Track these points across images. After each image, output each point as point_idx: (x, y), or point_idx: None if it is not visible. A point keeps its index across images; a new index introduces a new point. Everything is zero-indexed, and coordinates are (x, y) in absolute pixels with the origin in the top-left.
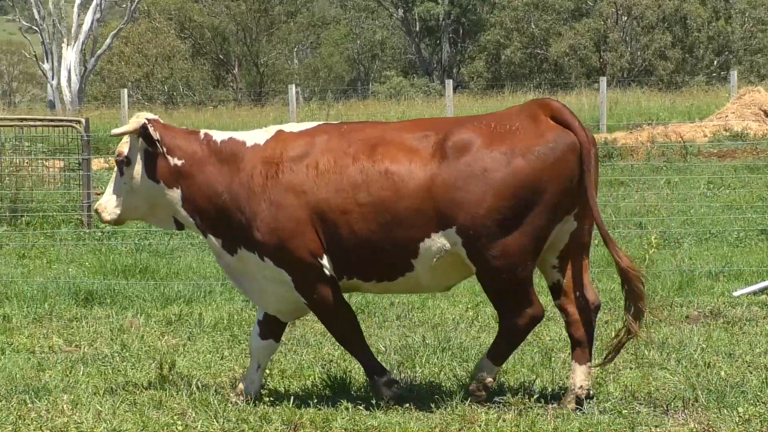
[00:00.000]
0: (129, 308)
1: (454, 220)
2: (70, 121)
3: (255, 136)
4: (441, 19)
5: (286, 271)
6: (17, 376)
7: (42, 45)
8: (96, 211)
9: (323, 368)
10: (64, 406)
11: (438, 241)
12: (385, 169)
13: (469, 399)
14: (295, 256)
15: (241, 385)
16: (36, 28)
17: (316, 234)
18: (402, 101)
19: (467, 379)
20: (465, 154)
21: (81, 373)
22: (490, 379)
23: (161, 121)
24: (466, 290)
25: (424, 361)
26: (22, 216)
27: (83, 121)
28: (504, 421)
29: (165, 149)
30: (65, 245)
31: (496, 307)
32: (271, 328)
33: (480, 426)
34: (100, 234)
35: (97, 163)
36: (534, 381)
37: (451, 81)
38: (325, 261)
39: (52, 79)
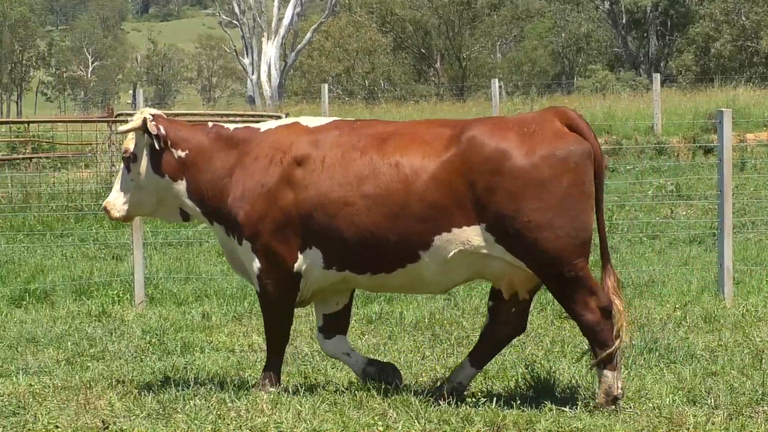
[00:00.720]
0: None
1: (481, 218)
2: (270, 116)
3: (270, 124)
4: (648, 11)
5: (257, 259)
6: (217, 374)
7: (242, 39)
8: (104, 209)
9: (527, 369)
10: (264, 405)
11: (460, 235)
12: (396, 162)
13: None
14: (272, 246)
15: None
16: (236, 23)
17: (300, 230)
18: (608, 95)
19: (676, 382)
20: (483, 150)
21: (282, 372)
22: (620, 390)
23: (164, 116)
24: (674, 290)
25: (630, 362)
26: None
27: (283, 116)
28: (713, 424)
29: (169, 143)
30: None
31: (566, 310)
32: (332, 327)
33: (688, 429)
34: None
35: None
36: (744, 383)
37: (658, 75)
38: (299, 260)
39: (252, 74)
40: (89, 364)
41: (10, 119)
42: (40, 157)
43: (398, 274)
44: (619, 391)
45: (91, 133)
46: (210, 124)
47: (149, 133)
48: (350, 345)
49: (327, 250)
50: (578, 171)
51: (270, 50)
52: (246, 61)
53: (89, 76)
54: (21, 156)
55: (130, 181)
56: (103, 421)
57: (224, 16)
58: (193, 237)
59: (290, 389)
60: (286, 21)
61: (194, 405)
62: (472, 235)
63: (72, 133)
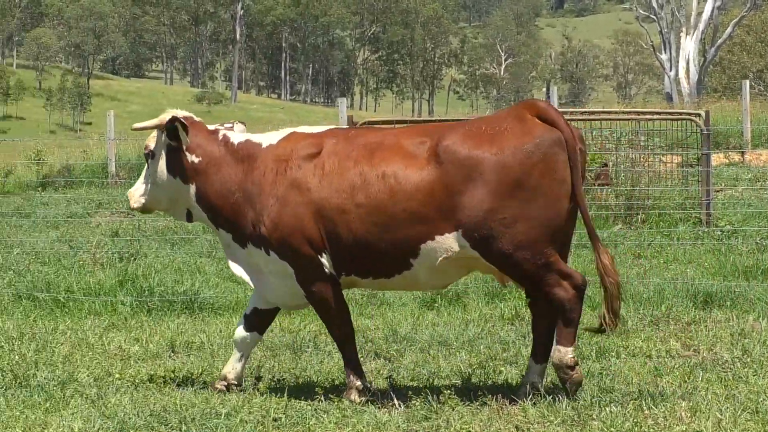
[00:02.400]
0: (750, 311)
1: (459, 223)
2: (689, 114)
3: (269, 138)
4: None
5: (290, 265)
6: (633, 380)
7: (660, 35)
8: (128, 196)
9: None
10: (683, 413)
11: (443, 243)
12: (383, 173)
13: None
14: (297, 251)
15: (223, 372)
16: (653, 17)
17: (318, 231)
18: None
19: None
20: (457, 158)
21: (700, 379)
22: (572, 357)
23: (195, 118)
24: None
25: None
26: (637, 214)
27: (702, 114)
28: None
29: (185, 146)
30: (683, 245)
31: (541, 293)
32: (257, 322)
33: None
34: (719, 233)
35: (717, 159)
36: None
37: None
38: (324, 258)
39: (670, 70)
40: (502, 368)
41: (421, 118)
42: None
43: (397, 279)
44: (572, 357)
45: None
46: (220, 134)
47: (169, 135)
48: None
49: (334, 256)
50: (548, 159)
51: (688, 45)
52: (663, 57)
53: (502, 73)
54: None
55: (149, 176)
56: (516, 427)
57: (641, 11)
58: (607, 239)
59: (709, 397)
60: (705, 15)
61: (610, 412)
62: (451, 242)
63: None
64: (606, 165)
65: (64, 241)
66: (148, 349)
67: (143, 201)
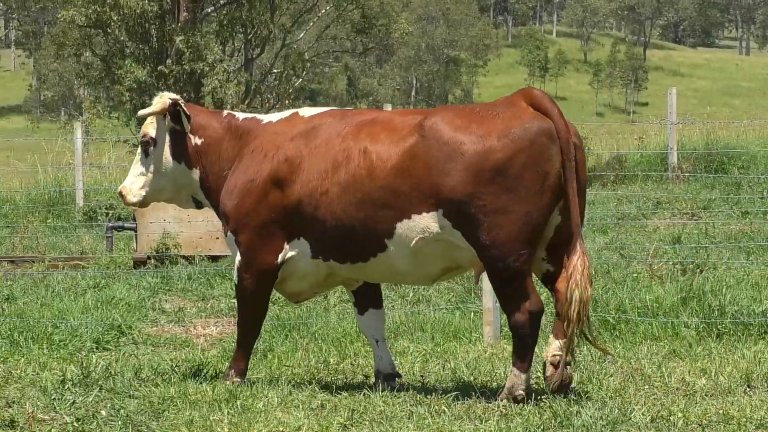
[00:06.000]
0: None
1: (440, 203)
2: None
3: (272, 117)
4: None
5: (239, 250)
6: None
7: None
8: (120, 193)
9: None
10: None
11: (420, 222)
12: (364, 148)
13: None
14: (253, 239)
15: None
16: None
17: (285, 225)
18: None
19: None
20: (441, 136)
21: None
22: (522, 392)
23: (182, 101)
24: None
25: None
26: None
27: None
28: None
29: (189, 128)
30: None
31: (500, 303)
32: (364, 300)
33: None
34: None
35: None
36: None
37: None
38: (283, 252)
39: None
40: None
41: None
42: None
43: (373, 264)
44: (521, 392)
45: None
46: (225, 113)
47: (174, 117)
48: (384, 330)
49: (313, 240)
50: (534, 148)
51: None
52: None
53: None
54: None
55: (150, 166)
56: None
57: None
58: None
59: None
60: None
61: None
62: (430, 222)
63: None
64: None
65: (614, 248)
66: (717, 382)
67: (143, 194)
